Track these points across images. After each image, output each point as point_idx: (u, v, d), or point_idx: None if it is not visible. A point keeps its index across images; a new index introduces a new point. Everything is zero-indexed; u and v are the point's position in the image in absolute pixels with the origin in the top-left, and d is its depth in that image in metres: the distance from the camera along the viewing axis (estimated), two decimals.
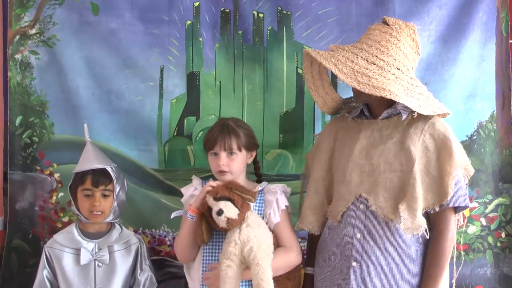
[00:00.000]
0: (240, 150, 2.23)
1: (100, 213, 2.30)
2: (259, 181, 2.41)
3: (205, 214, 2.12)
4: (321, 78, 2.24)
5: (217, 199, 2.07)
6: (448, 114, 2.09)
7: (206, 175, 2.43)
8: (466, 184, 2.06)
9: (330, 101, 2.25)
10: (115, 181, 2.30)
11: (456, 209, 2.05)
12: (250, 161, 2.32)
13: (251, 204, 2.17)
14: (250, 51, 2.70)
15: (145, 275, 2.36)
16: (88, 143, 2.37)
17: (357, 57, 2.00)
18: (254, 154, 2.33)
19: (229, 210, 2.05)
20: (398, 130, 2.07)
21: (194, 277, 2.25)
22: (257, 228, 2.11)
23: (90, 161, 2.31)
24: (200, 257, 2.22)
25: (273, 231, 2.22)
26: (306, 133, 2.70)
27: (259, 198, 2.24)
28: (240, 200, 2.09)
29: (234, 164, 2.22)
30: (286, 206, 2.27)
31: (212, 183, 2.16)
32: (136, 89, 2.68)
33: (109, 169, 2.30)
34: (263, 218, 2.21)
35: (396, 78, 1.99)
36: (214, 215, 2.06)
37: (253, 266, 2.04)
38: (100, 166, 2.30)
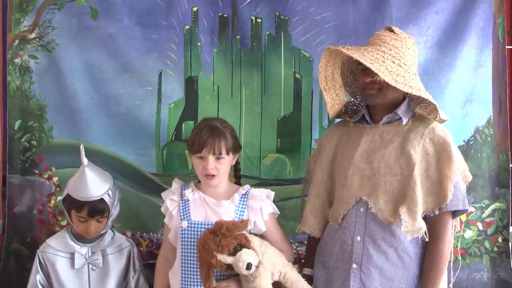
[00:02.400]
0: (227, 154, 2.19)
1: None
2: (237, 182, 2.39)
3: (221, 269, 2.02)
4: (333, 79, 2.25)
5: (232, 254, 1.97)
6: (447, 119, 2.14)
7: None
8: (465, 189, 2.08)
9: (338, 104, 2.28)
10: (110, 207, 2.29)
11: (455, 213, 2.07)
12: (234, 162, 2.30)
13: (234, 210, 2.19)
14: (248, 56, 2.71)
15: (137, 277, 2.39)
16: (85, 168, 2.28)
17: (385, 58, 2.02)
18: (237, 156, 2.30)
19: (251, 256, 1.99)
20: (398, 135, 2.10)
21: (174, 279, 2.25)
22: (268, 249, 2.11)
23: (87, 190, 2.24)
24: (179, 257, 2.21)
25: (262, 235, 2.24)
26: (304, 138, 2.71)
27: (241, 202, 2.22)
28: (243, 237, 2.03)
29: (222, 167, 2.19)
30: (273, 211, 2.28)
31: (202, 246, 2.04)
32: (135, 94, 2.68)
33: (106, 197, 2.27)
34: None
35: (418, 81, 2.06)
36: (241, 271, 1.97)
37: (288, 283, 2.08)
38: (98, 196, 2.25)
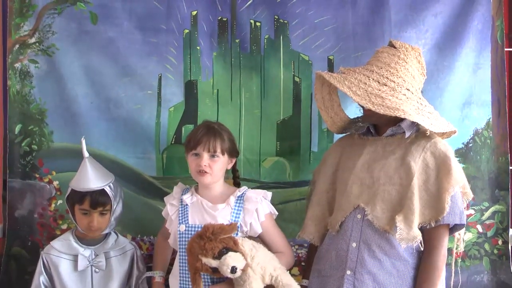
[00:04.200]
0: (223, 154, 2.22)
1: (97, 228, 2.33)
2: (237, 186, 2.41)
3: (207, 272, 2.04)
4: (331, 99, 2.29)
5: (217, 257, 1.98)
6: (455, 132, 2.14)
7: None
8: (463, 203, 2.09)
9: (339, 121, 2.31)
10: (112, 200, 2.32)
11: (453, 228, 2.08)
12: (229, 167, 2.31)
13: (229, 212, 2.20)
14: (247, 60, 2.71)
15: (140, 276, 2.40)
16: (86, 160, 2.34)
17: (369, 79, 2.05)
18: (234, 161, 2.33)
19: (236, 260, 1.99)
20: (400, 147, 2.12)
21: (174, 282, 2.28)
22: (259, 252, 2.11)
23: (88, 180, 2.29)
24: (177, 264, 2.24)
25: (260, 237, 2.26)
26: (303, 141, 2.72)
27: (237, 204, 2.23)
28: (231, 240, 2.04)
29: (215, 165, 2.21)
30: (270, 212, 2.29)
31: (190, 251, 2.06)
32: (134, 97, 2.69)
33: (107, 189, 2.30)
34: (241, 225, 2.21)
35: (407, 98, 2.05)
36: (226, 274, 1.98)
37: (280, 286, 2.07)
38: (99, 187, 2.29)
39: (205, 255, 1.98)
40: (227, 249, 1.99)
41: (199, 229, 2.15)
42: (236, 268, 1.97)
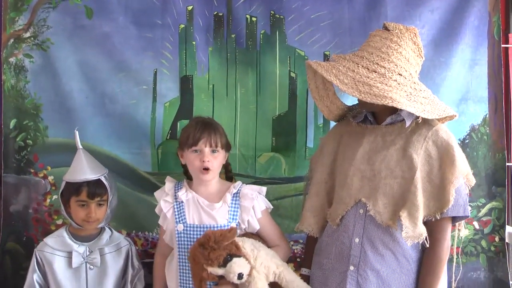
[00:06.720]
0: (222, 148, 2.21)
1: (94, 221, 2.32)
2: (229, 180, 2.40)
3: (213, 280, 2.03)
4: (326, 88, 2.23)
5: (222, 265, 1.97)
6: (455, 116, 2.08)
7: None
8: (467, 194, 2.06)
9: (336, 110, 2.26)
10: (109, 190, 2.31)
11: (454, 219, 2.05)
12: (224, 161, 2.29)
13: (227, 210, 2.19)
14: (243, 55, 2.71)
15: (136, 275, 2.39)
16: (80, 151, 2.36)
17: (358, 66, 2.00)
18: (228, 155, 2.30)
19: (242, 265, 1.98)
20: (401, 136, 2.07)
21: (171, 278, 2.26)
22: (261, 252, 2.10)
23: (84, 171, 2.29)
24: (176, 259, 2.21)
25: (257, 232, 2.24)
26: (299, 137, 2.71)
27: (233, 202, 2.22)
28: (233, 245, 2.02)
29: (216, 161, 2.19)
30: (266, 207, 2.28)
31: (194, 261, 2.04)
32: (130, 93, 2.68)
33: (103, 179, 2.30)
34: (239, 223, 2.20)
35: (398, 84, 1.98)
36: (233, 281, 1.97)
37: (283, 283, 2.07)
38: (95, 177, 2.29)
39: (210, 264, 1.97)
40: (231, 256, 1.98)
41: (198, 229, 2.15)
42: (242, 275, 1.96)
